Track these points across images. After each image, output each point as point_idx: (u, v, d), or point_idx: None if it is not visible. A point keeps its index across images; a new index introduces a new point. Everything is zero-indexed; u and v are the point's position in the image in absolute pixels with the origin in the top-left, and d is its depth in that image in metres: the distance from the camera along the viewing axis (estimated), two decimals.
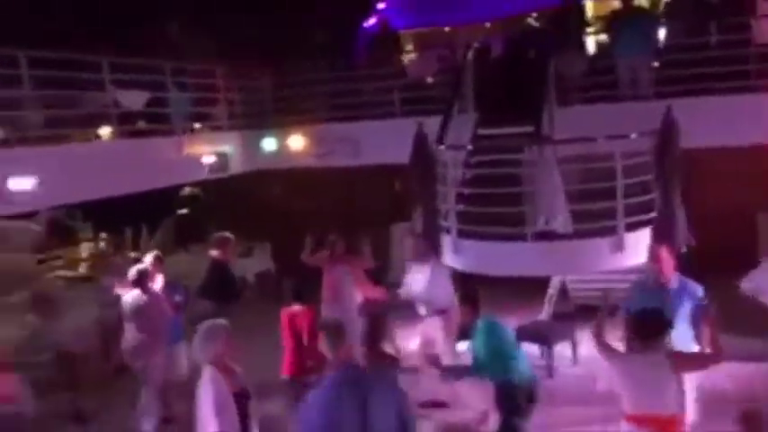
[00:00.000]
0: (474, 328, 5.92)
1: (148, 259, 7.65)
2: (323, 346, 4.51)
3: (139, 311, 7.05)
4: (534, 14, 14.39)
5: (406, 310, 7.99)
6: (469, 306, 6.09)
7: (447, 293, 7.33)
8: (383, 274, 10.55)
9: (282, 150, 11.10)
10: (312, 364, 6.33)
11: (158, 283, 7.54)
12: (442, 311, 7.39)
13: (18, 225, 11.38)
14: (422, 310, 7.64)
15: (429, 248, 7.77)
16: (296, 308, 6.77)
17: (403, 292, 7.85)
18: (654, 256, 6.06)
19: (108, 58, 8.84)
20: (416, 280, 7.62)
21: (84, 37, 12.41)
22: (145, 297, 7.10)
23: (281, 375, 6.79)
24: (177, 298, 7.44)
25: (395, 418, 4.15)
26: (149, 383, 7.18)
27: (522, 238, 7.40)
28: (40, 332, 7.91)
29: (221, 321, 4.86)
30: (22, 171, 7.23)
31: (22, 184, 7.24)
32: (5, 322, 8.67)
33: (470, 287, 6.47)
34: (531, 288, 9.10)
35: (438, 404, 7.26)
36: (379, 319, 6.05)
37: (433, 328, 7.51)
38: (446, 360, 6.81)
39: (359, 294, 8.12)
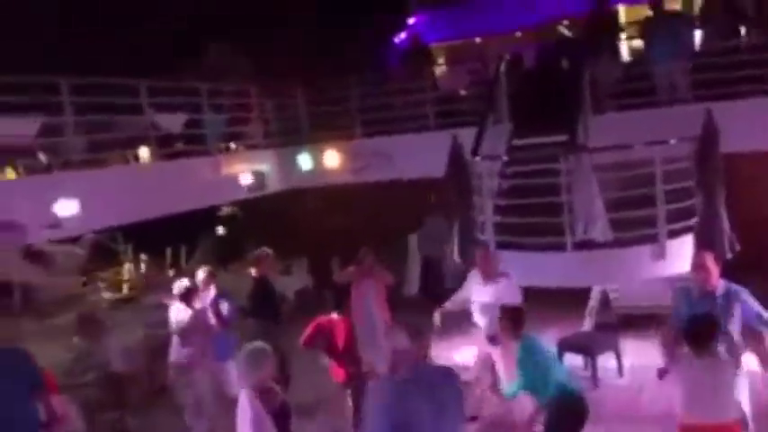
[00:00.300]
0: (521, 344, 5.76)
1: (201, 275, 7.68)
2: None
3: (184, 327, 7.13)
4: (566, 23, 14.40)
5: (458, 322, 7.87)
6: (511, 324, 5.88)
7: None
8: (400, 285, 10.55)
9: (318, 167, 11.17)
10: (354, 370, 6.76)
11: (209, 297, 7.56)
12: None
13: (63, 249, 11.63)
14: (479, 323, 7.25)
15: (492, 257, 7.24)
16: (334, 317, 6.99)
17: (456, 302, 7.58)
18: (699, 264, 5.80)
19: (146, 82, 9.03)
20: (480, 292, 7.10)
21: (122, 62, 12.66)
22: (190, 312, 7.17)
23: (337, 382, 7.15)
24: (226, 313, 7.43)
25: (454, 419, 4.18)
26: (192, 399, 7.22)
27: (561, 247, 7.33)
28: (85, 353, 8.04)
29: (263, 346, 4.87)
30: (66, 196, 7.39)
31: (67, 208, 7.40)
32: (52, 344, 8.84)
33: (513, 308, 6.13)
34: (572, 298, 8.97)
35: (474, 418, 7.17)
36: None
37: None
38: (503, 380, 6.72)
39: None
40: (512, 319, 5.86)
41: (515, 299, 6.72)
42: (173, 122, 10.04)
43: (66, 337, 8.74)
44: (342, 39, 14.97)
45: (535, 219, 7.46)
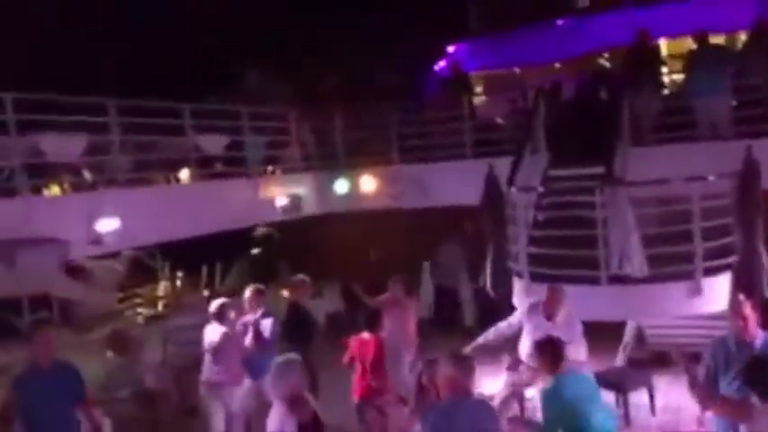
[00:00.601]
0: (549, 383, 5.47)
1: (247, 293, 7.73)
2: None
3: (215, 345, 7.20)
4: (606, 55, 14.36)
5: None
6: (549, 358, 5.54)
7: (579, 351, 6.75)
8: None
9: (354, 192, 11.27)
10: (377, 387, 6.88)
11: (253, 316, 7.58)
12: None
13: (103, 264, 11.89)
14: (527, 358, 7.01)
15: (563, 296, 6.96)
16: (365, 336, 7.07)
17: (491, 337, 7.51)
18: (736, 312, 5.41)
19: (189, 105, 9.26)
20: (542, 328, 6.74)
21: (166, 85, 13.02)
22: (222, 331, 7.23)
23: (354, 399, 7.13)
24: (268, 333, 7.47)
25: None
26: (222, 418, 7.26)
27: (595, 281, 7.27)
28: (119, 369, 8.17)
29: (293, 357, 4.94)
30: (108, 213, 7.58)
31: (109, 225, 7.59)
32: (89, 358, 9.00)
33: (552, 341, 5.75)
34: (606, 333, 8.84)
35: None
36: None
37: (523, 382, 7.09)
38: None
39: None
40: (553, 354, 5.54)
41: (580, 337, 6.63)
42: (214, 144, 10.25)
43: (102, 352, 8.89)
44: (381, 65, 15.15)
45: (570, 251, 7.41)
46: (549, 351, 5.58)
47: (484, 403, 4.70)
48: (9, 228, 6.57)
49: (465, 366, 4.58)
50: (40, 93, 7.29)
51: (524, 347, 7.06)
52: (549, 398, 5.42)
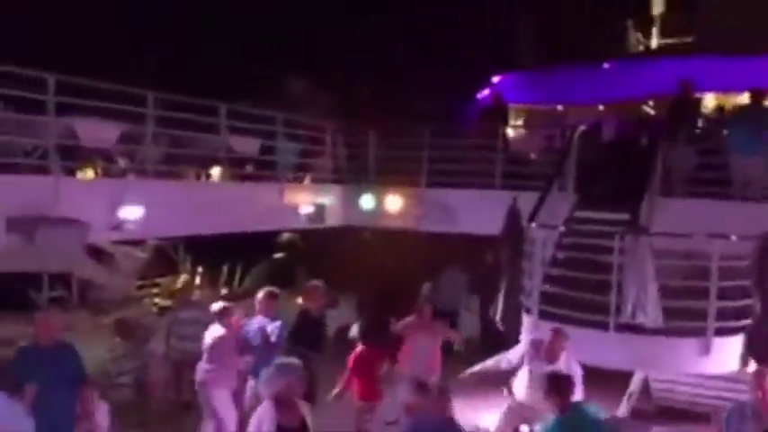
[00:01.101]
0: (555, 420, 5.34)
1: (260, 295, 7.81)
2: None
3: (210, 344, 7.28)
4: (651, 103, 14.25)
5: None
6: (557, 394, 5.42)
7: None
8: None
9: (379, 209, 11.32)
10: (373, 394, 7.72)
11: (263, 318, 7.65)
12: None
13: (125, 250, 12.06)
14: (522, 394, 7.04)
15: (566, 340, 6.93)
16: (370, 348, 7.78)
17: (487, 367, 7.50)
18: (757, 383, 5.39)
19: (226, 105, 9.42)
20: (539, 366, 6.78)
21: (205, 83, 13.26)
22: (222, 331, 7.32)
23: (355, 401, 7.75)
24: (275, 337, 7.53)
25: None
26: (211, 416, 7.32)
27: (604, 326, 7.17)
28: (122, 355, 8.28)
29: (292, 361, 4.99)
30: (133, 201, 7.73)
31: (132, 212, 7.73)
32: (99, 342, 9.14)
33: (561, 378, 5.73)
34: (611, 381, 8.70)
35: None
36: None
37: (521, 417, 6.98)
38: None
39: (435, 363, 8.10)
40: (560, 389, 5.44)
41: (578, 382, 6.52)
42: (247, 146, 10.39)
43: (110, 337, 9.02)
44: (422, 87, 15.24)
45: (583, 294, 7.33)
46: (557, 387, 5.47)
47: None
48: (36, 205, 6.75)
49: (426, 393, 4.98)
50: (83, 77, 7.49)
51: (521, 386, 7.00)
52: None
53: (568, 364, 6.72)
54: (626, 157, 9.83)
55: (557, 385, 5.48)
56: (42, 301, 11.15)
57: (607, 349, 7.22)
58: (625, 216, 8.07)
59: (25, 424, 5.06)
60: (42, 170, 7.40)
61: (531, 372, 6.90)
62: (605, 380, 8.49)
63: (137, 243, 12.08)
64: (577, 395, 6.60)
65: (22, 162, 7.40)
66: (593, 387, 8.80)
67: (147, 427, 8.12)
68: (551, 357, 6.78)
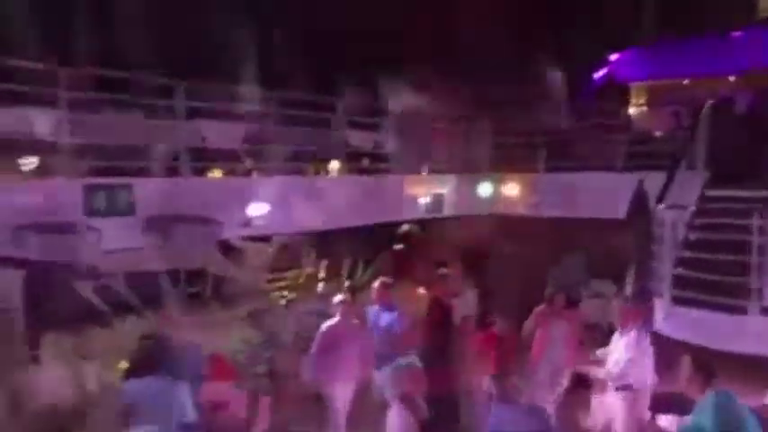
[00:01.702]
0: (702, 403, 4.98)
1: (375, 285, 7.89)
2: None
3: (329, 337, 7.34)
4: None
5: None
6: (702, 377, 5.06)
7: (643, 372, 6.59)
8: None
9: (496, 196, 11.19)
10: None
11: (381, 308, 7.72)
12: (627, 387, 6.62)
13: (255, 246, 12.54)
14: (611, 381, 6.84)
15: (638, 317, 6.87)
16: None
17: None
18: None
19: (342, 100, 9.62)
20: (616, 348, 6.84)
21: (321, 80, 13.54)
22: (338, 324, 7.37)
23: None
24: (395, 329, 7.60)
25: None
26: (333, 408, 7.44)
27: (745, 311, 6.76)
28: (257, 345, 8.62)
29: (412, 361, 5.05)
30: (259, 199, 8.07)
31: (259, 210, 8.07)
32: (232, 333, 9.56)
33: (704, 356, 5.50)
34: (755, 367, 8.17)
35: None
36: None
37: (616, 406, 6.73)
38: None
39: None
40: (703, 370, 5.07)
41: (648, 356, 6.57)
42: (363, 140, 10.57)
43: (244, 329, 9.41)
44: (537, 69, 14.84)
45: (720, 277, 6.96)
46: (699, 367, 5.10)
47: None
48: (171, 205, 7.19)
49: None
50: (208, 81, 7.89)
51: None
52: (713, 415, 4.85)
53: (641, 342, 6.59)
54: (761, 130, 9.20)
55: (700, 365, 5.12)
56: (182, 296, 11.78)
57: (751, 335, 6.80)
58: (763, 193, 7.60)
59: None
60: (174, 172, 7.86)
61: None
62: (743, 368, 8.02)
63: (265, 239, 12.55)
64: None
65: (156, 164, 7.85)
66: (729, 376, 8.36)
67: (283, 415, 8.42)
68: (622, 330, 6.78)
